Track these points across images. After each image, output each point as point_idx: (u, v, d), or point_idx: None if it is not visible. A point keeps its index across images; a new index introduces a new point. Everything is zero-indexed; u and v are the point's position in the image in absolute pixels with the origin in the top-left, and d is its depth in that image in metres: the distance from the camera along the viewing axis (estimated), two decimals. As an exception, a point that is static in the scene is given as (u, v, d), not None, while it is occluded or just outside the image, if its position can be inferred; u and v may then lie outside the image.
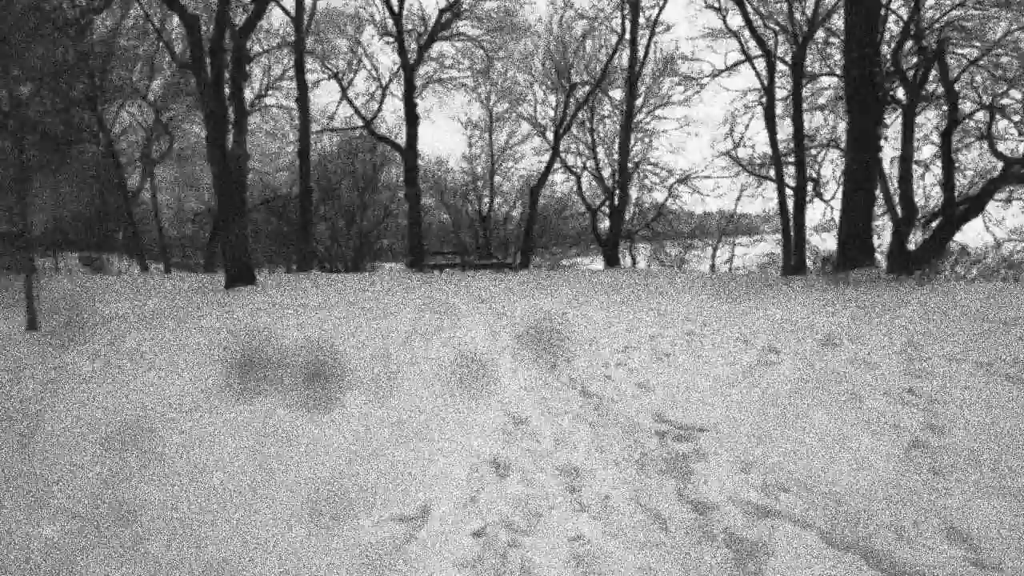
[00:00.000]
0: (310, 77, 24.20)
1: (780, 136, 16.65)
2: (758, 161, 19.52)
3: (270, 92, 24.95)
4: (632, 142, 21.14)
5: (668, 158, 25.70)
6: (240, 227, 13.53)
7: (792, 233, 15.99)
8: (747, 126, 18.62)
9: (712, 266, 24.71)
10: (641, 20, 19.69)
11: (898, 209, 12.72)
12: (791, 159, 16.91)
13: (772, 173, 17.34)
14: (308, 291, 12.36)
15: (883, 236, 13.80)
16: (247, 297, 11.44)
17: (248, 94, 25.24)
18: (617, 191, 21.09)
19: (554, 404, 4.26)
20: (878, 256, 12.49)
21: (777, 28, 16.69)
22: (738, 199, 23.09)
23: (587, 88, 21.10)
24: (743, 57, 17.82)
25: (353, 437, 3.55)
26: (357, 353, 6.00)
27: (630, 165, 21.43)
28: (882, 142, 12.37)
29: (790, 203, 16.10)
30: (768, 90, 16.35)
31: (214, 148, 13.37)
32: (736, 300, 9.41)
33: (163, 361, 5.88)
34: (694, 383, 4.58)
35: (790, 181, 16.61)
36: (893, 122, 13.99)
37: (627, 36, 19.65)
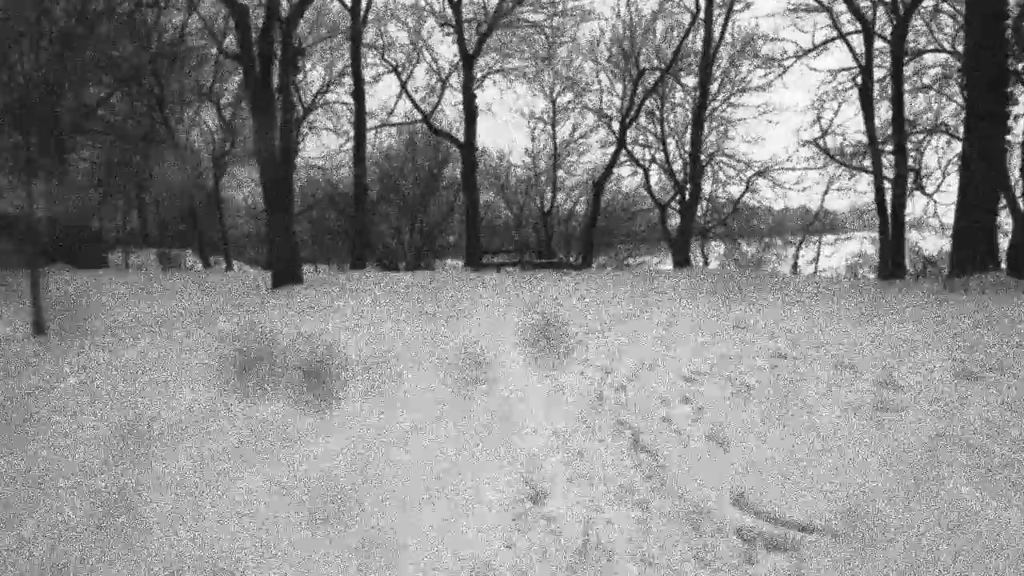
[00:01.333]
0: (369, 72, 23.84)
1: (877, 122, 14.75)
2: (849, 150, 17.53)
3: (331, 88, 24.67)
4: (705, 132, 19.46)
5: (745, 149, 23.95)
6: (286, 225, 12.97)
7: (891, 230, 14.08)
8: (836, 111, 16.56)
9: (794, 267, 22.66)
10: (717, -2, 18.04)
11: (1021, 203, 10.81)
12: (888, 147, 14.96)
13: (867, 163, 15.43)
14: (351, 292, 11.64)
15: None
16: (287, 298, 10.83)
17: (310, 90, 25.29)
18: (688, 185, 19.49)
19: (592, 463, 3.14)
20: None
21: (875, -1, 14.78)
22: (825, 193, 21.03)
23: (656, 74, 19.58)
24: (835, 34, 15.95)
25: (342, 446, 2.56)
26: (357, 361, 5.08)
27: (703, 157, 19.76)
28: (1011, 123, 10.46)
29: (888, 197, 14.19)
30: (865, 69, 14.47)
31: (260, 142, 12.90)
32: (831, 311, 7.94)
33: (162, 366, 5.12)
34: (788, 439, 3.35)
35: (888, 172, 14.66)
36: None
37: (701, 16, 18.02)
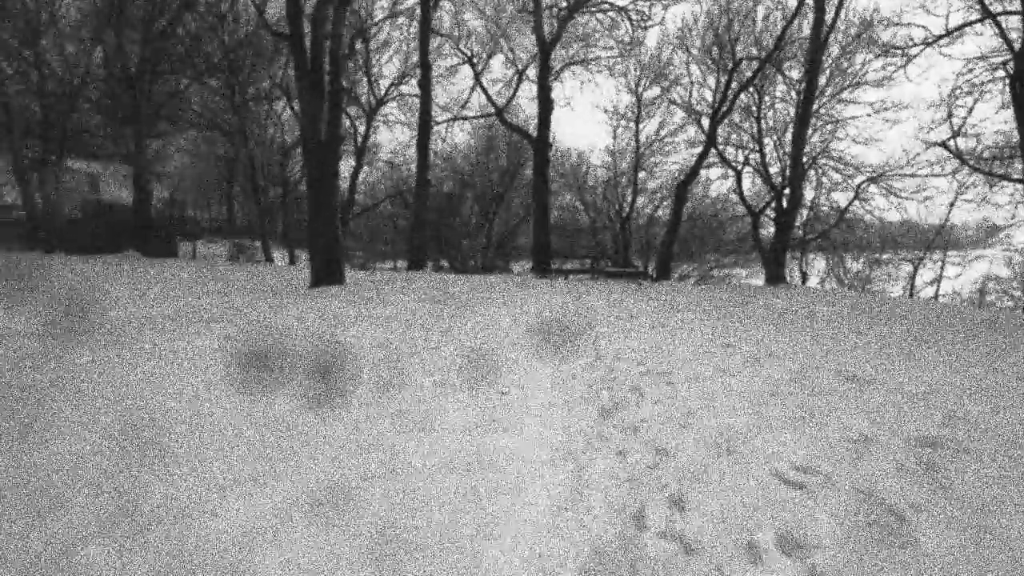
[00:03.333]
0: (444, 63, 22.83)
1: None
2: (985, 155, 14.71)
3: (406, 79, 23.81)
4: (809, 131, 17.00)
5: (856, 151, 20.95)
6: (329, 218, 11.91)
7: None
8: (971, 109, 13.74)
9: (911, 289, 19.65)
10: (832, -24, 15.61)
11: None
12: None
13: (1016, 168, 12.73)
14: (391, 296, 10.36)
15: None
16: (319, 299, 9.66)
17: (383, 82, 24.57)
18: (787, 190, 17.11)
19: None
20: None
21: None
22: (952, 204, 18.02)
23: (755, 65, 17.32)
24: (976, 16, 13.28)
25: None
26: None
27: (806, 159, 17.34)
28: None
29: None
30: (1022, 54, 11.83)
31: (307, 131, 11.91)
32: (992, 362, 5.82)
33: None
34: None
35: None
36: None
37: (812, -4, 15.66)
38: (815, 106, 16.64)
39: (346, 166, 25.53)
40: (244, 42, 21.56)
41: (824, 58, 16.14)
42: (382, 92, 24.03)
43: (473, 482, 2.97)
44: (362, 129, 24.59)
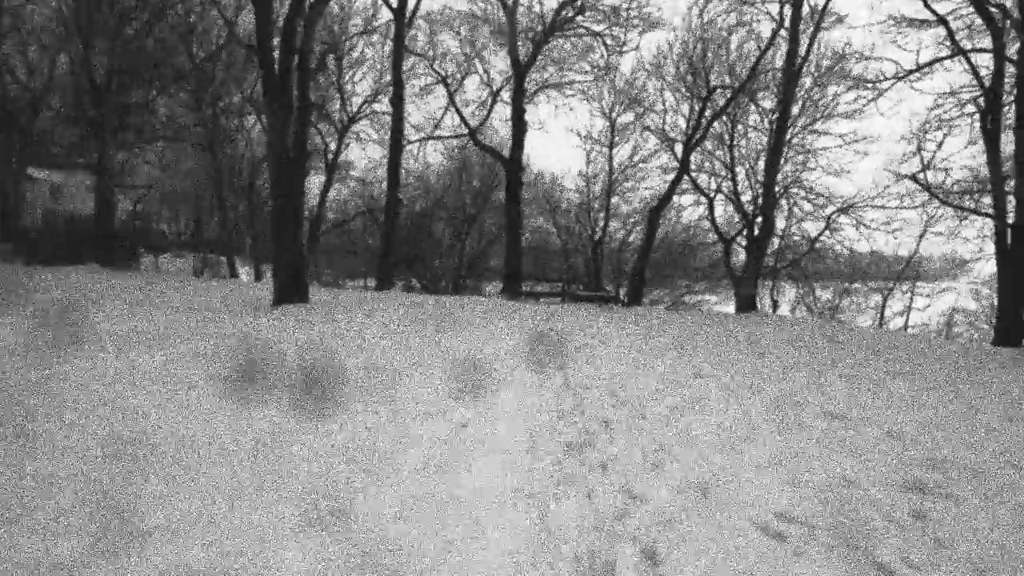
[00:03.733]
0: (418, 82, 22.67)
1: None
2: (955, 188, 14.93)
3: (379, 97, 23.53)
4: (782, 161, 17.14)
5: (827, 181, 21.27)
6: (293, 233, 11.51)
7: (1010, 286, 11.56)
8: (941, 143, 13.91)
9: (880, 321, 19.83)
10: (805, 10, 15.88)
11: None
12: (1010, 186, 12.43)
13: (984, 203, 12.93)
14: (356, 317, 9.97)
15: None
16: (278, 319, 9.24)
17: (356, 99, 24.29)
18: (759, 219, 17.20)
19: None
20: None
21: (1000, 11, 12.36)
22: (921, 236, 18.31)
23: (728, 94, 17.49)
24: (947, 52, 13.56)
25: None
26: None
27: (778, 188, 17.47)
28: None
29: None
30: (992, 91, 12.06)
31: (274, 144, 11.56)
32: (969, 399, 5.68)
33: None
34: None
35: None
36: None
37: (785, 28, 15.89)
38: (787, 136, 16.79)
39: (316, 182, 25.13)
40: (214, 54, 21.17)
41: (796, 89, 16.34)
42: (354, 109, 23.74)
43: (429, 528, 2.64)
44: (333, 146, 24.21)
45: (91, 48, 20.39)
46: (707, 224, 20.96)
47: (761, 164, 18.68)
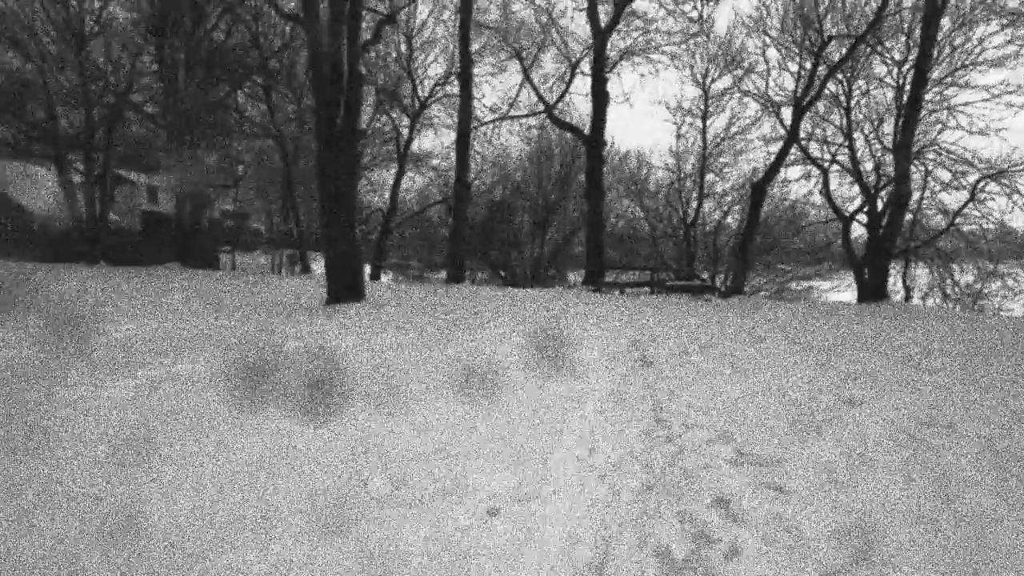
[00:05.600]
0: (490, 59, 21.24)
1: None
2: None
3: (452, 80, 22.25)
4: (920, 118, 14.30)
5: (970, 143, 17.90)
6: (346, 226, 10.32)
7: None
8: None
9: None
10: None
11: None
12: None
13: None
14: (415, 318, 8.67)
15: None
16: (324, 321, 8.07)
17: (428, 83, 23.14)
18: (884, 192, 14.55)
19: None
20: None
21: None
22: (1101, 207, 14.92)
23: (847, 44, 14.88)
24: None
25: None
26: None
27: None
28: None
29: None
30: None
31: (322, 121, 10.43)
32: None
33: None
34: None
35: None
36: None
37: (921, -44, 13.13)
38: (927, 87, 13.91)
39: (389, 173, 24.30)
40: (282, 49, 20.76)
41: (938, 30, 13.48)
42: (426, 93, 22.60)
43: None
44: (406, 132, 23.20)
45: (171, 47, 20.43)
46: (817, 200, 18.35)
47: (886, 127, 15.95)
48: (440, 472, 2.94)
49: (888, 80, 15.78)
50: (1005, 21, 13.17)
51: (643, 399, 4.47)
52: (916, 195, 15.46)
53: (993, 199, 15.11)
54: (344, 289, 10.34)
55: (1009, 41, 14.09)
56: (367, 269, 24.90)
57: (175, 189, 22.77)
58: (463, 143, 15.95)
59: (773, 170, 15.75)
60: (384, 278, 28.38)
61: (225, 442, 3.26)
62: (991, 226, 15.84)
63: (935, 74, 15.19)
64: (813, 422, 3.90)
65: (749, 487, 2.89)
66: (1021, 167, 14.50)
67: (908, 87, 13.80)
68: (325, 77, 10.18)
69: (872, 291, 12.63)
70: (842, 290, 20.30)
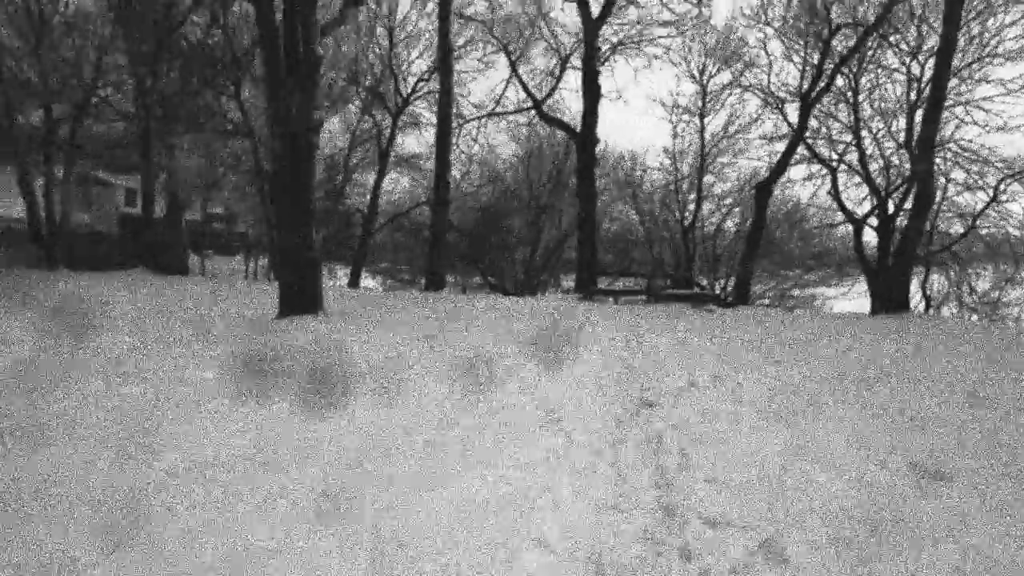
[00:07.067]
0: (475, 54, 20.10)
1: None
2: None
3: (435, 75, 21.03)
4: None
5: (988, 140, 16.62)
6: (301, 230, 9.06)
7: None
8: None
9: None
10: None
11: None
12: None
13: None
14: (369, 339, 7.41)
15: None
16: (248, 344, 6.81)
17: (411, 79, 21.92)
18: (895, 193, 13.41)
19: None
20: None
21: None
22: None
23: (856, 34, 13.76)
24: None
25: None
26: None
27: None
28: None
29: None
30: None
31: (275, 112, 9.23)
32: None
33: None
34: None
35: None
36: None
37: (941, -64, 12.00)
38: (949, 79, 12.68)
39: (370, 174, 23.07)
40: (254, 44, 19.54)
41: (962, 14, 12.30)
42: (409, 89, 21.37)
43: None
44: (388, 131, 21.97)
45: (134, 40, 19.23)
46: (822, 202, 17.21)
47: (899, 122, 14.82)
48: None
49: (899, 72, 14.65)
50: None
51: (642, 464, 3.24)
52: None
53: (1015, 200, 13.97)
54: (298, 300, 9.07)
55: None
56: (329, 275, 23.72)
57: (144, 188, 21.51)
58: (444, 140, 14.71)
59: (779, 169, 14.57)
60: (371, 282, 27.13)
61: None
62: (1015, 230, 14.67)
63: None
64: (865, 494, 2.67)
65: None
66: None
67: (926, 77, 12.66)
68: (277, 58, 8.97)
69: (893, 301, 11.42)
70: (850, 298, 19.16)
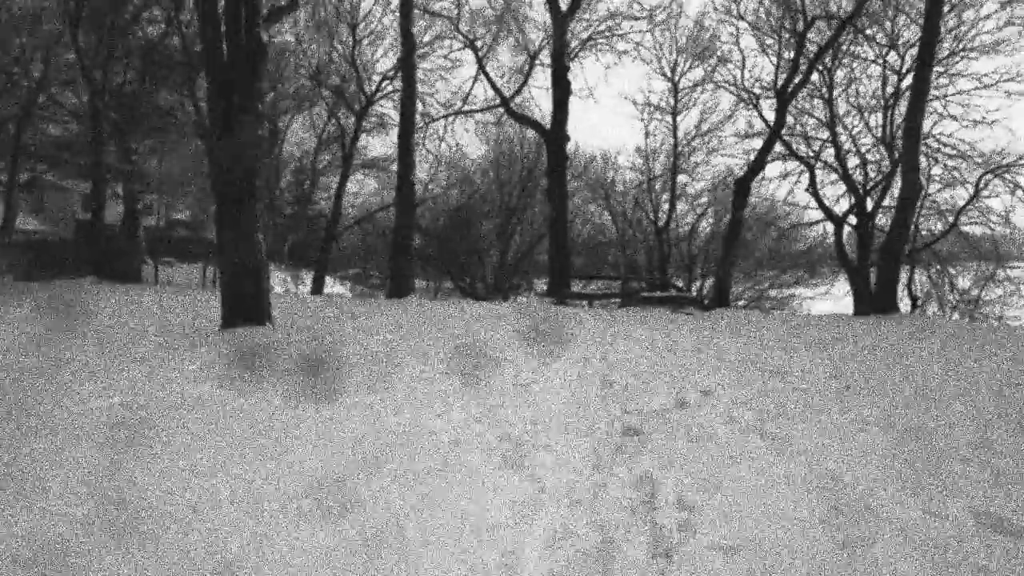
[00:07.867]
0: (441, 51, 19.34)
1: None
2: None
3: (400, 74, 20.21)
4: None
5: (966, 135, 16.60)
6: (245, 228, 8.19)
7: None
8: None
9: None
10: None
11: None
12: None
13: None
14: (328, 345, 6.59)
15: None
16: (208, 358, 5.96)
17: (376, 78, 21.06)
18: (881, 187, 12.98)
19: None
20: None
21: None
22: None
23: (830, 27, 13.34)
24: None
25: None
26: None
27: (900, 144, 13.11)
28: None
29: None
30: None
31: (214, 106, 8.39)
32: None
33: None
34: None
35: None
36: None
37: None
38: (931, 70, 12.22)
39: (333, 176, 22.14)
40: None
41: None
42: (373, 88, 20.51)
43: None
44: (351, 132, 21.07)
45: (84, 37, 18.06)
46: (798, 199, 16.77)
47: (875, 119, 14.51)
48: None
49: (876, 64, 14.29)
50: (999, 3, 11.71)
51: (632, 520, 2.50)
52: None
53: (995, 196, 13.67)
54: (242, 311, 8.18)
55: (1008, 23, 12.73)
56: (294, 282, 22.71)
57: (95, 192, 20.27)
58: (407, 139, 13.85)
59: (757, 166, 14.04)
60: (340, 288, 26.05)
61: None
62: (996, 227, 14.36)
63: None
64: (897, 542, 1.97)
65: None
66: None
67: (905, 67, 12.28)
68: (216, 43, 8.10)
69: (880, 301, 10.90)
70: (828, 298, 18.80)
